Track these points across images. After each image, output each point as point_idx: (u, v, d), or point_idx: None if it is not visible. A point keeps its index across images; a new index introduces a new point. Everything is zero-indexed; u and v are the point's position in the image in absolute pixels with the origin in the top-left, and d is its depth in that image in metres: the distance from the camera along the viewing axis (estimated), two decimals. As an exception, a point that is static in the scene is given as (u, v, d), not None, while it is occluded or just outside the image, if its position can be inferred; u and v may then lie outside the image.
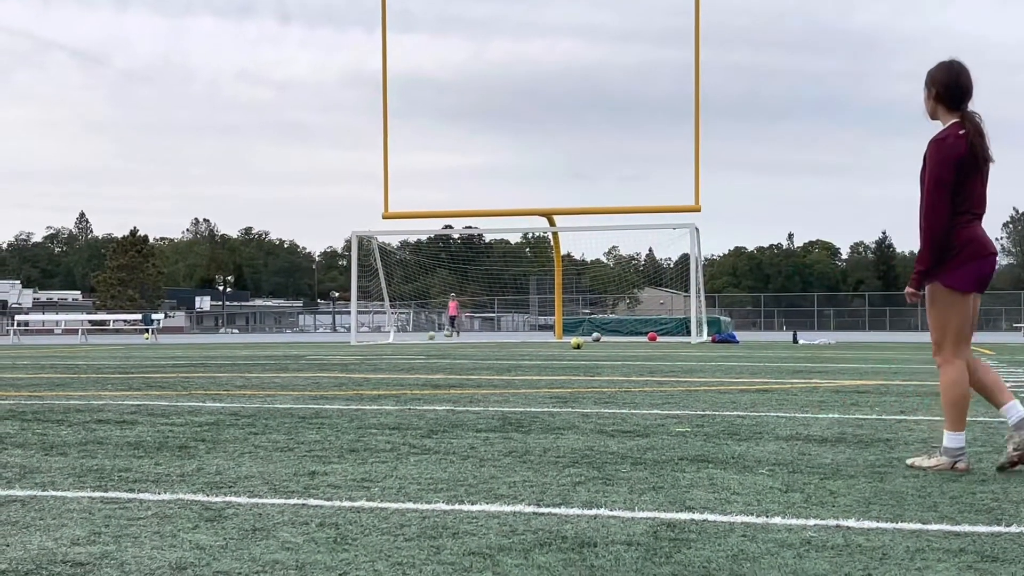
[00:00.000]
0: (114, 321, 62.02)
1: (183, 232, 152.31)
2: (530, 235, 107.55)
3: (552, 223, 41.45)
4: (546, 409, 8.70)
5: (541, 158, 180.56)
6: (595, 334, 40.69)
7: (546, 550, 3.51)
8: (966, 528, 3.87)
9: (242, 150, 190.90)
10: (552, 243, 44.86)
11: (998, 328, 75.32)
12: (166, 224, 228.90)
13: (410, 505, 4.34)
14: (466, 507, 4.28)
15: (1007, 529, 3.84)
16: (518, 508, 4.26)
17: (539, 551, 3.50)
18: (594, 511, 4.19)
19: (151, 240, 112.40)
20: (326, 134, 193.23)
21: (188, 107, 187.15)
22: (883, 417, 7.99)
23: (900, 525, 3.92)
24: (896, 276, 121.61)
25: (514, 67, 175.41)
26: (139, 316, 55.51)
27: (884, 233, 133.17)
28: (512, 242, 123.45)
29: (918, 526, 3.90)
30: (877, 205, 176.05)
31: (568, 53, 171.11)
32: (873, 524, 3.94)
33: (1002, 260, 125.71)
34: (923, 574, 3.20)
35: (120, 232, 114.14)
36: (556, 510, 4.22)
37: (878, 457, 5.76)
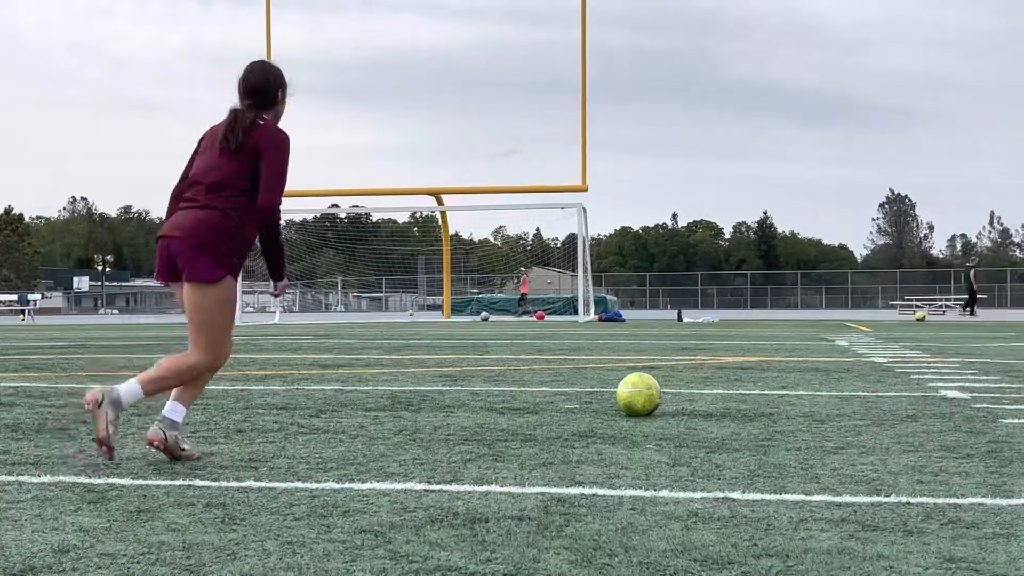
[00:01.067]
0: (-12, 302, 60.21)
1: (60, 211, 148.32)
2: (418, 215, 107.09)
3: (440, 202, 41.39)
4: (436, 388, 8.69)
5: (430, 138, 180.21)
6: (483, 313, 40.78)
7: (438, 527, 3.51)
8: (847, 499, 3.97)
9: (116, 126, 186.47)
10: (440, 223, 44.80)
11: (875, 306, 77.46)
12: (42, 203, 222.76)
13: (299, 484, 4.30)
14: (356, 485, 4.26)
15: (886, 499, 3.95)
16: (409, 486, 4.24)
17: (431, 528, 3.49)
18: (485, 487, 4.20)
19: (27, 219, 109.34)
20: (204, 110, 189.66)
21: (37, 82, 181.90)
22: (766, 392, 8.16)
23: (784, 496, 4.01)
24: (777, 255, 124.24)
25: (401, 45, 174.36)
26: (15, 297, 54.00)
27: (765, 213, 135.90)
28: (400, 222, 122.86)
29: (801, 497, 3.99)
30: (759, 186, 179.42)
31: (456, 33, 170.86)
32: (758, 496, 4.02)
33: (878, 240, 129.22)
34: (807, 543, 3.28)
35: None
36: (447, 487, 4.22)
37: (761, 431, 5.88)
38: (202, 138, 5.17)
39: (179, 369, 5.00)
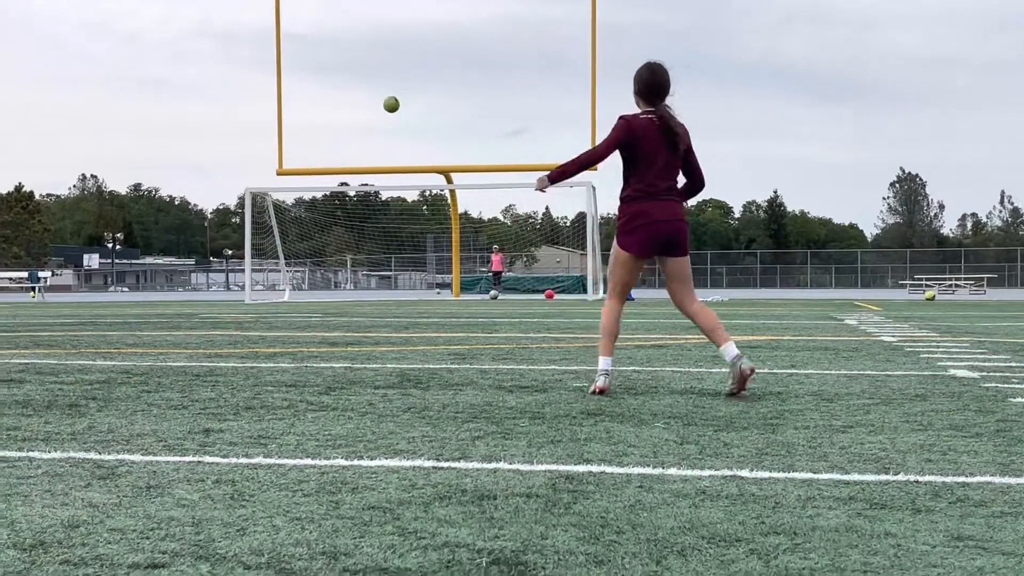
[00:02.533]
0: (-1, 279, 60.29)
1: (70, 188, 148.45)
2: (427, 193, 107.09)
3: (449, 180, 41.34)
4: (444, 365, 8.70)
5: (440, 116, 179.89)
6: (493, 292, 40.78)
7: (446, 503, 3.52)
8: (855, 477, 3.96)
9: (126, 104, 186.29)
10: (449, 201, 44.74)
11: (884, 285, 77.30)
12: (52, 180, 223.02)
13: (308, 461, 4.31)
14: (365, 462, 4.27)
15: (894, 477, 3.95)
16: (417, 463, 4.25)
17: (439, 504, 3.50)
18: (493, 464, 4.21)
19: (37, 196, 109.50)
20: (214, 89, 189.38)
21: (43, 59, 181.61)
22: (775, 371, 8.15)
23: (792, 475, 4.01)
24: (787, 234, 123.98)
25: (411, 23, 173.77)
26: (25, 274, 54.08)
27: (775, 192, 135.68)
28: (409, 200, 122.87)
29: (809, 475, 3.99)
30: (769, 165, 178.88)
31: (466, 10, 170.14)
32: (766, 474, 4.02)
33: (889, 219, 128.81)
34: (814, 521, 3.28)
35: (4, 188, 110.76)
36: (456, 464, 4.22)
37: (770, 409, 5.88)
38: (631, 130, 6.44)
39: (712, 314, 6.76)
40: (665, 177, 6.53)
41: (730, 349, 6.49)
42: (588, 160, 6.61)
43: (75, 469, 4.15)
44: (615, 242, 6.74)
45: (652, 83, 6.52)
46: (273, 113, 37.55)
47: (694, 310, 6.73)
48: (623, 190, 6.61)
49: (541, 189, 6.79)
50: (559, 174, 6.59)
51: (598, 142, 6.82)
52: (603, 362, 6.67)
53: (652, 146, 6.44)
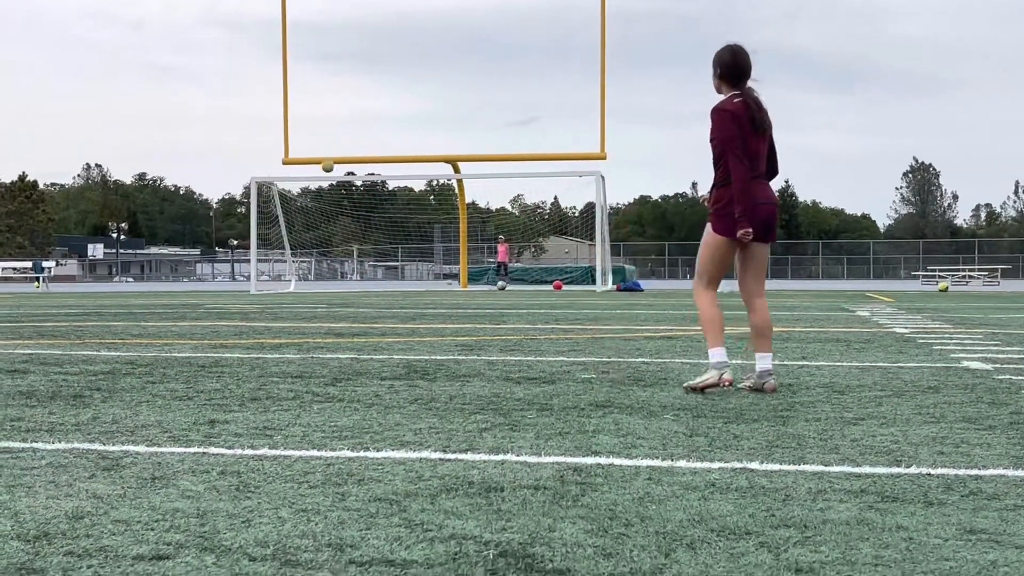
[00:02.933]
0: (3, 269, 60.42)
1: (74, 178, 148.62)
2: (434, 183, 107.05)
3: (457, 170, 41.28)
4: (451, 357, 8.67)
5: (448, 105, 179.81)
6: (500, 283, 40.73)
7: (453, 495, 3.48)
8: (866, 469, 3.92)
9: (131, 92, 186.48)
10: (457, 191, 44.69)
11: (897, 276, 77.17)
12: (56, 170, 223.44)
13: (314, 453, 4.28)
14: (371, 454, 4.24)
15: (906, 470, 3.91)
16: (424, 454, 4.22)
17: (446, 496, 3.47)
18: (501, 456, 4.17)
19: (41, 186, 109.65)
20: (220, 78, 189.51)
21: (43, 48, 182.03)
22: (785, 362, 8.11)
23: (802, 467, 3.97)
24: (798, 225, 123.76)
25: (420, 11, 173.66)
26: (29, 264, 54.21)
27: (787, 182, 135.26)
28: (416, 190, 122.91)
29: (820, 468, 3.95)
30: (781, 154, 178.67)
31: None
32: (776, 466, 3.98)
33: (902, 210, 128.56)
34: (825, 514, 3.24)
35: (8, 177, 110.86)
36: (463, 456, 4.19)
37: (780, 401, 5.84)
38: (735, 118, 6.23)
39: (768, 318, 6.49)
40: (760, 160, 6.33)
41: (765, 362, 6.27)
42: (745, 171, 6.17)
43: (79, 460, 4.12)
44: (708, 228, 6.44)
45: (735, 65, 6.35)
46: (279, 102, 37.54)
47: (757, 305, 6.47)
48: (717, 175, 6.33)
49: (747, 237, 6.23)
50: (749, 205, 6.17)
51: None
52: (721, 353, 6.25)
53: (747, 129, 6.24)
